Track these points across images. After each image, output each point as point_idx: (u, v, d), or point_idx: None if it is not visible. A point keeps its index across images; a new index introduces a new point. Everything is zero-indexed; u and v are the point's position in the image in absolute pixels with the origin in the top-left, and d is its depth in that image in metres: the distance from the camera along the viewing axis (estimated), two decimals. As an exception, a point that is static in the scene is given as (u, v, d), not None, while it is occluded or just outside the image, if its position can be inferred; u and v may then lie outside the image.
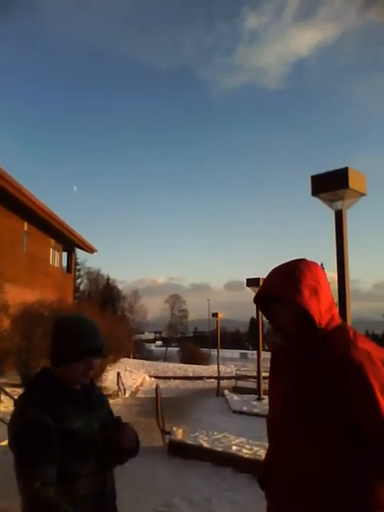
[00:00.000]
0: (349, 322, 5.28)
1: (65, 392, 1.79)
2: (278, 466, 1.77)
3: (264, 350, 16.51)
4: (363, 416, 1.62)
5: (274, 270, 1.85)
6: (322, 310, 1.73)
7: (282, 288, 1.74)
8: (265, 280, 1.86)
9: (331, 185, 5.19)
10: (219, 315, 23.00)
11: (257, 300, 1.89)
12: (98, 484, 1.78)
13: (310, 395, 1.67)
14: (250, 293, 14.07)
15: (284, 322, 1.81)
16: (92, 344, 1.81)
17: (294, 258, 1.85)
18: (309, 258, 1.86)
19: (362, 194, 5.28)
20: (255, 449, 6.58)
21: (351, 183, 5.02)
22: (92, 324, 1.88)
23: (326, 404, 1.64)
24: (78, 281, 56.76)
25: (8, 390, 9.97)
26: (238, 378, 22.12)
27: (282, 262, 1.86)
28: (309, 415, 1.67)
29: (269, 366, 2.00)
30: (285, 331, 1.85)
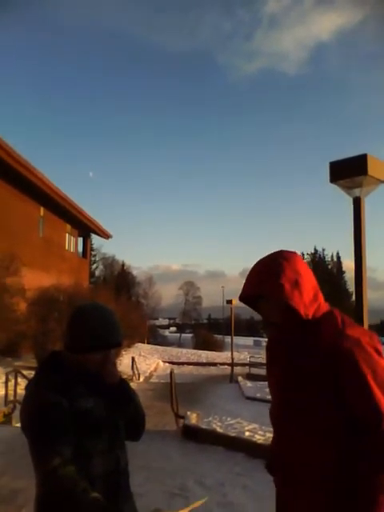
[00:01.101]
0: (365, 312, 5.23)
1: (74, 373, 1.80)
2: (280, 455, 1.80)
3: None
4: (356, 403, 1.62)
5: (253, 267, 1.82)
6: (306, 301, 1.71)
7: (263, 285, 1.72)
8: (246, 279, 1.82)
9: (350, 171, 5.13)
10: (233, 302, 23.02)
11: (242, 300, 1.87)
12: (111, 462, 1.80)
13: (302, 386, 1.68)
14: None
15: (272, 317, 1.79)
16: (111, 337, 1.80)
17: (272, 252, 1.82)
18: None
19: (381, 182, 5.21)
20: (268, 435, 6.61)
21: (370, 170, 4.95)
22: (112, 316, 1.86)
23: (318, 394, 1.65)
24: (94, 266, 57.26)
25: (25, 372, 10.14)
26: (251, 365, 22.20)
27: (264, 256, 1.83)
28: (303, 406, 1.68)
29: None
30: (273, 325, 1.83)
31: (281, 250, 1.81)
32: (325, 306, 1.78)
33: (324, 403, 1.64)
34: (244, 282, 1.82)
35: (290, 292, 1.68)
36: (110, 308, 1.92)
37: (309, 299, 1.71)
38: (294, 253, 1.81)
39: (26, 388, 1.81)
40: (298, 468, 1.71)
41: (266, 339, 2.01)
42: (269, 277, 1.71)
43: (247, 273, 1.84)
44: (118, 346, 1.86)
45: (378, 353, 1.66)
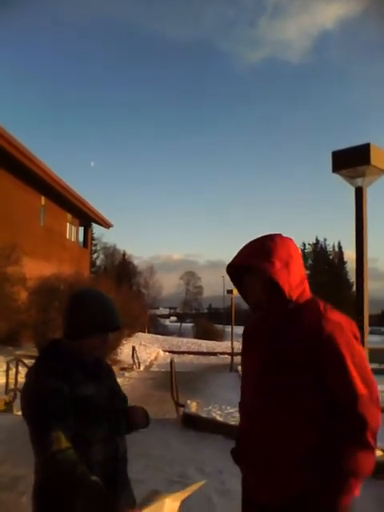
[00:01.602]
0: (365, 301, 5.23)
1: (75, 361, 1.82)
2: (256, 440, 1.79)
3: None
4: (336, 385, 1.66)
5: (250, 242, 1.86)
6: (293, 283, 1.75)
7: (254, 258, 1.75)
8: (239, 251, 1.86)
9: (352, 161, 5.10)
10: (234, 292, 23.05)
11: (229, 269, 1.89)
12: (111, 449, 1.82)
13: (286, 370, 1.71)
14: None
15: (254, 294, 1.82)
16: (110, 322, 1.84)
17: (270, 233, 1.86)
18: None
19: (384, 171, 5.18)
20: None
21: (373, 160, 4.92)
22: (110, 301, 1.90)
23: (301, 378, 1.69)
24: (95, 256, 57.27)
25: (26, 361, 10.18)
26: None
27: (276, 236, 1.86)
28: (286, 390, 1.70)
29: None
30: (255, 305, 1.86)
31: (278, 233, 1.86)
32: (308, 294, 1.83)
33: (307, 387, 1.69)
34: (237, 252, 1.86)
35: (278, 270, 1.73)
36: (106, 294, 1.94)
37: (295, 282, 1.76)
38: (290, 238, 1.86)
39: (26, 375, 1.83)
40: (278, 451, 1.72)
41: None
42: (261, 252, 1.76)
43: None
44: (117, 330, 1.89)
45: (356, 338, 1.74)
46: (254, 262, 1.75)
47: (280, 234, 1.85)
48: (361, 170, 5.06)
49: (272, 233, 1.86)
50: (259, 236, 1.87)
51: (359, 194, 5.22)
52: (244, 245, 1.87)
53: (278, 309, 1.78)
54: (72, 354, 1.83)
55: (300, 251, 1.90)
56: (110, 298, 1.92)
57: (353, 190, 5.30)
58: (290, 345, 1.72)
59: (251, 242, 1.85)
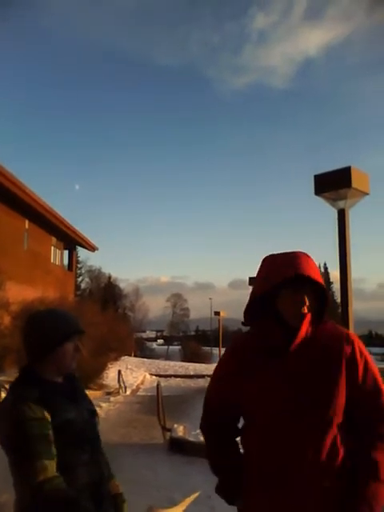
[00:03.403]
0: (350, 321, 5.28)
1: (51, 385, 1.81)
2: (278, 464, 1.71)
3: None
4: (367, 393, 1.74)
5: (292, 254, 1.80)
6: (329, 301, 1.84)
7: (316, 273, 1.76)
8: (290, 261, 1.76)
9: (334, 184, 5.21)
10: (221, 314, 23.04)
11: (278, 279, 1.74)
12: (95, 471, 1.81)
13: (318, 385, 1.72)
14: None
15: (301, 307, 1.74)
16: (71, 325, 1.86)
17: (300, 251, 1.84)
18: (315, 258, 1.89)
19: (365, 194, 5.29)
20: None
21: (354, 182, 5.03)
22: (65, 311, 1.93)
23: (334, 390, 1.71)
24: (80, 279, 56.85)
25: (8, 387, 9.99)
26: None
27: (292, 250, 1.84)
28: (319, 405, 1.70)
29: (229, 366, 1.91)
30: (284, 323, 1.78)
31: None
32: None
33: (339, 398, 1.72)
34: (289, 262, 1.75)
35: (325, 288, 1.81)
36: (58, 308, 1.97)
37: None
38: None
39: (2, 404, 1.78)
40: (308, 466, 1.68)
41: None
42: (314, 267, 1.79)
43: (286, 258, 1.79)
44: (80, 333, 1.89)
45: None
46: (317, 278, 1.75)
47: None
48: (342, 192, 5.16)
49: (299, 250, 1.84)
50: (298, 251, 1.82)
51: (342, 216, 5.31)
52: (283, 254, 1.81)
53: (308, 327, 1.78)
54: (46, 377, 1.81)
55: None
56: (63, 310, 1.96)
57: (335, 212, 5.40)
58: (319, 361, 1.75)
59: (294, 255, 1.79)
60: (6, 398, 1.81)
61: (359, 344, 1.80)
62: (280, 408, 1.73)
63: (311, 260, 1.81)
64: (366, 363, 1.77)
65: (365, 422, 1.75)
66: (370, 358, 1.81)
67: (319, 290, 1.78)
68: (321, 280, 1.76)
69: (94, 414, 1.95)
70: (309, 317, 1.76)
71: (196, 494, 1.77)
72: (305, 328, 1.76)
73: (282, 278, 1.73)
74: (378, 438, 1.71)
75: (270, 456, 1.75)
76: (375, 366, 1.80)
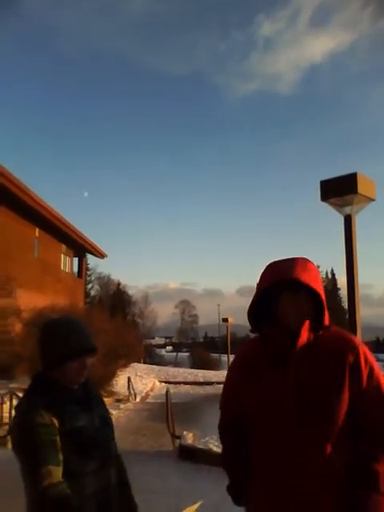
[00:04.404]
0: (358, 327, 5.28)
1: (63, 392, 1.82)
2: (278, 470, 1.74)
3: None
4: (371, 404, 1.72)
5: (288, 260, 1.82)
6: (326, 307, 1.79)
7: (312, 279, 1.74)
8: (282, 265, 1.80)
9: (340, 190, 5.22)
10: (229, 320, 22.99)
11: (274, 282, 1.77)
12: (103, 480, 1.82)
13: (318, 393, 1.70)
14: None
15: (297, 311, 1.75)
16: (84, 343, 1.84)
17: (302, 257, 1.85)
18: (315, 262, 1.90)
19: (372, 200, 5.30)
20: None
21: (360, 188, 5.04)
22: (81, 324, 1.90)
23: (335, 399, 1.69)
24: (89, 286, 57.03)
25: (20, 394, 10.05)
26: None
27: (293, 257, 1.85)
28: (319, 414, 1.69)
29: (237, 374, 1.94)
30: (283, 327, 1.79)
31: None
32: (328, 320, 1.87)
33: (341, 408, 1.70)
34: (273, 271, 1.80)
35: (323, 294, 1.78)
36: (76, 317, 1.96)
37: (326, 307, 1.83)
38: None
39: (15, 410, 1.83)
40: (314, 476, 1.69)
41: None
42: (310, 272, 1.76)
43: (281, 264, 1.82)
44: (92, 350, 1.88)
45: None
46: (313, 282, 1.73)
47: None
48: (348, 198, 5.17)
49: (300, 257, 1.85)
50: (297, 257, 1.84)
51: (348, 222, 5.32)
52: (282, 261, 1.83)
53: (309, 333, 1.77)
54: (58, 384, 1.83)
55: None
56: (80, 321, 1.92)
57: (342, 217, 5.41)
58: (321, 369, 1.73)
59: (293, 259, 1.82)
60: (18, 404, 1.85)
61: (364, 350, 1.76)
62: (279, 421, 1.74)
63: (310, 265, 1.80)
64: (370, 371, 1.73)
65: (367, 432, 1.72)
66: (376, 365, 1.77)
67: (317, 297, 1.77)
68: (317, 285, 1.74)
69: (107, 421, 1.95)
70: (307, 322, 1.77)
71: (198, 504, 1.78)
72: (305, 332, 1.77)
73: (276, 280, 1.76)
74: (381, 449, 1.69)
75: (269, 467, 1.78)
76: (381, 373, 1.77)
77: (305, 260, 1.82)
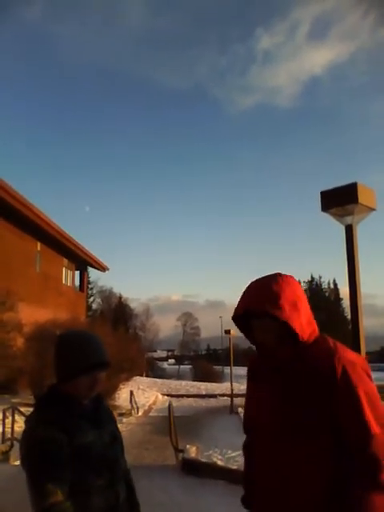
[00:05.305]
0: (361, 338, 5.25)
1: (74, 407, 1.81)
2: (264, 485, 1.76)
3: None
4: (349, 424, 1.63)
5: (252, 285, 1.83)
6: (304, 323, 1.73)
7: (262, 304, 1.71)
8: (243, 296, 1.82)
9: (340, 200, 5.23)
10: (232, 332, 22.88)
11: (236, 317, 1.85)
12: (111, 497, 1.80)
13: (298, 409, 1.67)
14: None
15: (264, 338, 1.79)
16: (97, 358, 1.84)
17: (270, 273, 1.84)
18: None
19: (372, 209, 5.31)
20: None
21: (360, 198, 5.05)
22: (96, 338, 1.90)
23: (316, 416, 1.65)
24: (91, 299, 56.97)
25: (22, 409, 9.99)
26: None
27: (259, 277, 1.85)
28: (299, 429, 1.66)
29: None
30: (263, 346, 1.83)
31: (279, 272, 1.83)
32: (317, 332, 1.81)
33: (321, 427, 1.64)
34: (240, 299, 1.82)
35: (289, 313, 1.70)
36: (93, 333, 1.95)
37: (305, 322, 1.75)
38: (292, 277, 1.84)
39: (25, 423, 1.81)
40: (293, 494, 1.69)
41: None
42: (269, 296, 1.72)
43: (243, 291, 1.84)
44: (105, 366, 1.88)
45: (369, 376, 1.71)
46: (263, 308, 1.70)
47: (281, 273, 1.82)
48: (349, 208, 5.18)
49: (272, 273, 1.83)
50: (260, 277, 1.84)
51: (349, 232, 5.32)
52: (247, 287, 1.83)
53: (289, 350, 1.75)
54: (69, 399, 1.82)
55: (301, 288, 1.88)
56: (94, 335, 1.92)
57: (343, 227, 5.41)
58: (302, 385, 1.68)
59: (255, 284, 1.82)
60: (28, 417, 1.83)
61: (353, 377, 1.65)
62: (266, 435, 1.77)
63: (276, 286, 1.75)
64: (352, 388, 1.63)
65: (351, 452, 1.63)
66: (365, 379, 1.68)
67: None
68: (276, 309, 1.69)
69: (116, 438, 1.93)
70: (270, 345, 1.78)
71: None
72: (280, 354, 1.77)
73: (244, 309, 1.79)
74: (363, 470, 1.61)
75: (262, 481, 1.81)
76: (371, 387, 1.68)
77: (273, 279, 1.79)
